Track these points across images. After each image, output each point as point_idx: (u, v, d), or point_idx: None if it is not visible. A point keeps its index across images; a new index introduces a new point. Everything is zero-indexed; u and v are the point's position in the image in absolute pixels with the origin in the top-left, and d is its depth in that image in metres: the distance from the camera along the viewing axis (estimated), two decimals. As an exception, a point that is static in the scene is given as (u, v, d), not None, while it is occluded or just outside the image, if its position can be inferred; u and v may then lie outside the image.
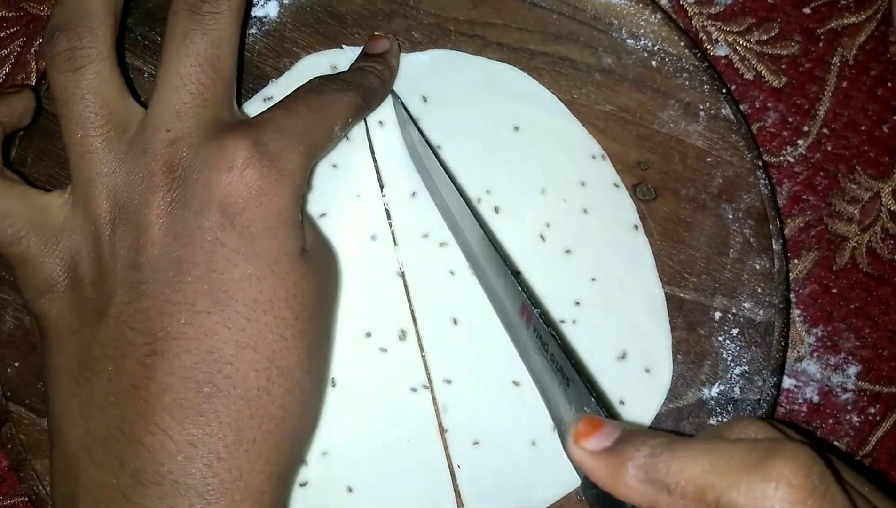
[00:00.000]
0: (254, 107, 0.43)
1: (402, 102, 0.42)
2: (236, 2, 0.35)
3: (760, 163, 0.43)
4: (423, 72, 0.44)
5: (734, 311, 0.42)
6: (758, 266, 0.42)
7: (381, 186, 0.43)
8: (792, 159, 0.47)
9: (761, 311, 0.42)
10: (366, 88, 0.39)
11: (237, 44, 0.36)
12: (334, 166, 0.43)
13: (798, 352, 0.46)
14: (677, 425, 0.41)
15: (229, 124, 0.35)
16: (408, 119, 0.42)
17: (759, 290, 0.42)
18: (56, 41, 0.34)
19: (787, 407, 0.45)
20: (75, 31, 0.34)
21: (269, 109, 0.36)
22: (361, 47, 0.43)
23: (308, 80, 0.38)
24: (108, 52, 0.34)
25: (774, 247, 0.42)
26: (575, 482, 0.40)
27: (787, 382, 0.45)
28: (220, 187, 0.33)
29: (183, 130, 0.34)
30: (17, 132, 0.41)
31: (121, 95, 0.35)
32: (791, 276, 0.46)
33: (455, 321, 0.42)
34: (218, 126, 0.34)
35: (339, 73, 0.41)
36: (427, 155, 0.41)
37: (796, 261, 0.47)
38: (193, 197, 0.33)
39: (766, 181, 0.43)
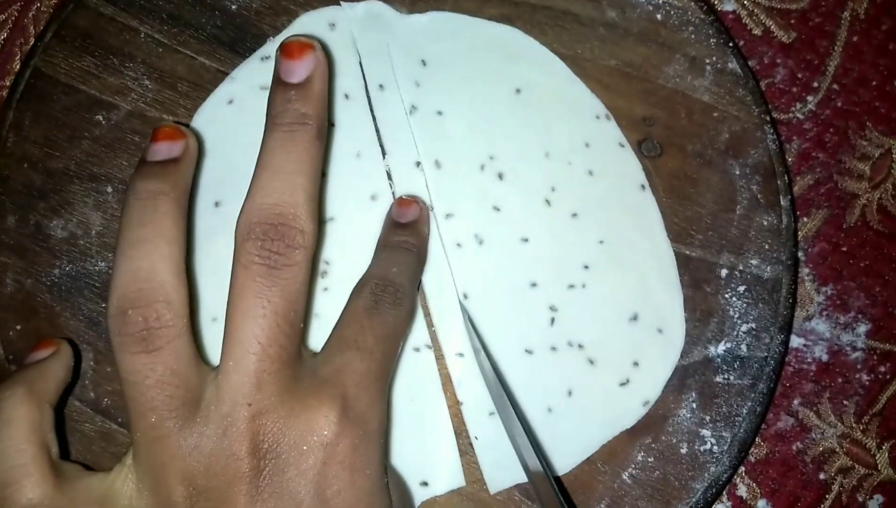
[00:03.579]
0: (252, 67, 0.43)
1: (472, 324, 0.41)
2: (310, 246, 0.32)
3: (768, 118, 0.42)
4: (421, 34, 0.43)
5: (741, 268, 0.41)
6: (765, 222, 0.42)
7: (384, 152, 0.42)
8: (801, 116, 0.46)
9: (769, 268, 0.41)
10: (408, 272, 0.37)
11: (308, 291, 0.33)
12: (333, 125, 0.42)
13: (807, 311, 0.45)
14: (683, 382, 0.40)
15: (309, 382, 0.32)
16: (479, 347, 0.40)
17: (767, 246, 0.41)
18: (129, 320, 0.30)
19: (796, 366, 0.44)
20: (152, 309, 0.30)
21: (336, 342, 0.34)
22: (359, 3, 0.42)
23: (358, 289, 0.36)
24: (186, 326, 0.31)
25: (782, 203, 0.42)
26: (592, 447, 0.40)
27: (796, 341, 0.45)
28: (314, 471, 0.30)
29: (265, 403, 0.30)
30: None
31: (195, 366, 0.31)
32: (800, 234, 0.45)
33: (466, 296, 0.41)
34: (298, 386, 0.31)
35: (377, 259, 0.38)
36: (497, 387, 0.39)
37: (805, 219, 0.46)
38: (286, 484, 0.30)
39: (774, 136, 0.42)
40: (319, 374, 0.32)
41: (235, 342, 0.30)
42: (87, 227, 0.42)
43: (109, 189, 0.42)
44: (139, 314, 0.30)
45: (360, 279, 0.36)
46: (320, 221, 0.38)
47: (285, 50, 0.34)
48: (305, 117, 0.33)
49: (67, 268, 0.41)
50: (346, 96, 0.43)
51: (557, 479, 0.39)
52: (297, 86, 0.33)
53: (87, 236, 0.41)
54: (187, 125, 0.39)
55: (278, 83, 0.34)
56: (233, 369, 0.30)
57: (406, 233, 0.39)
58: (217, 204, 0.41)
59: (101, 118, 0.42)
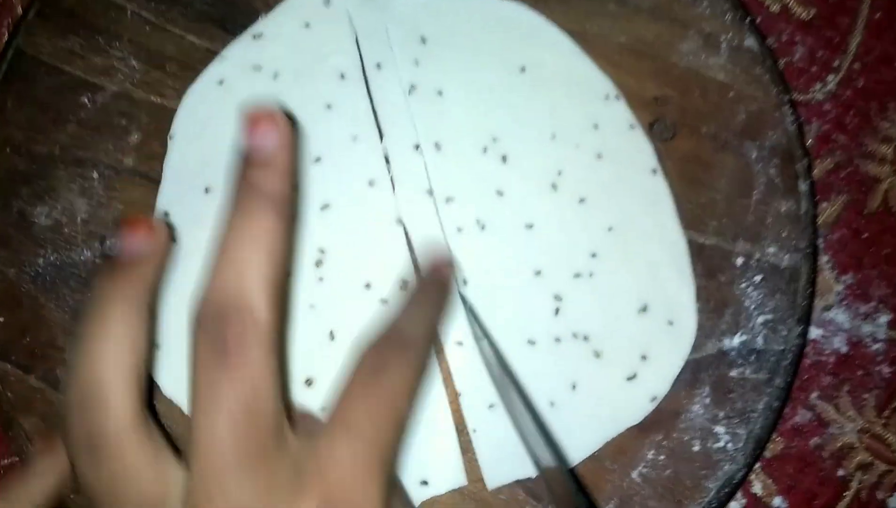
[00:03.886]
0: (243, 45, 0.42)
1: (474, 313, 0.39)
2: (265, 332, 0.29)
3: (787, 98, 0.41)
4: (421, 10, 0.42)
5: (758, 256, 0.40)
6: (783, 208, 0.40)
7: (381, 134, 0.41)
8: (821, 97, 0.45)
9: (787, 256, 0.40)
10: (423, 320, 0.34)
11: (280, 375, 0.30)
12: (328, 107, 0.41)
13: (826, 300, 0.44)
14: (695, 377, 0.40)
15: (288, 478, 0.29)
16: (481, 335, 0.39)
17: (785, 234, 0.40)
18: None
19: (814, 358, 0.44)
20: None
21: (328, 421, 0.31)
22: None
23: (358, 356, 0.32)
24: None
25: (801, 188, 0.40)
26: (596, 444, 0.39)
27: (815, 332, 0.44)
28: None
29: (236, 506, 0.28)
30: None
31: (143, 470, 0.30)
32: (819, 220, 0.44)
33: (465, 282, 0.40)
34: (276, 482, 0.29)
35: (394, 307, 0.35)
36: (501, 374, 0.38)
37: (825, 204, 0.45)
38: None
39: (793, 118, 0.41)
40: (302, 466, 0.29)
41: (198, 441, 0.28)
42: (72, 214, 0.41)
43: (95, 174, 0.41)
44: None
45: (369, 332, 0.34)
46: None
47: (247, 123, 0.32)
48: (266, 195, 0.31)
49: (52, 257, 0.40)
50: (342, 76, 0.41)
51: (572, 470, 0.39)
52: (256, 160, 0.31)
53: (73, 224, 0.40)
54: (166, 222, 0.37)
55: (239, 159, 0.32)
56: (198, 471, 0.28)
57: (425, 276, 0.38)
58: (207, 190, 0.40)
59: (86, 100, 0.41)
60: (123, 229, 0.33)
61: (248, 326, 0.29)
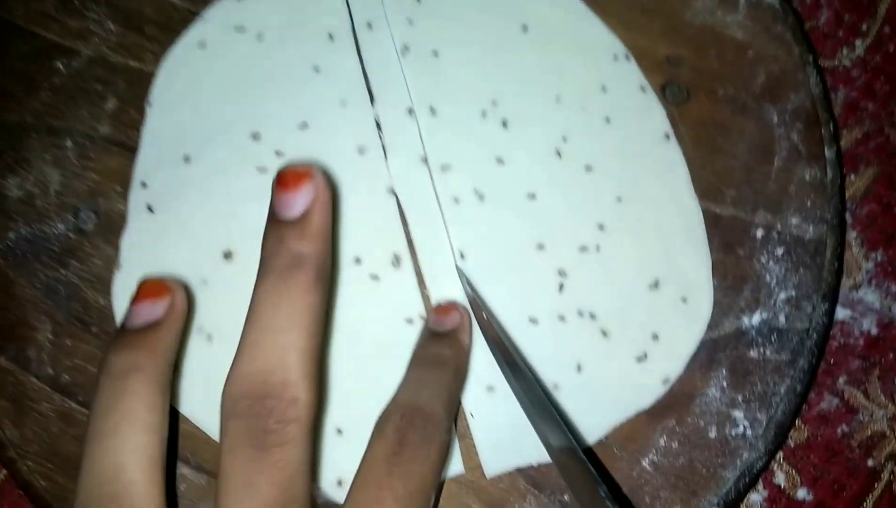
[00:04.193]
0: (225, 5, 0.40)
1: (473, 288, 0.38)
2: (306, 417, 0.28)
3: (810, 58, 0.40)
4: (414, -35, 0.41)
5: (779, 228, 0.39)
6: (807, 176, 0.39)
7: (372, 98, 0.39)
8: (848, 63, 0.44)
9: (811, 227, 0.39)
10: (443, 396, 0.33)
11: (311, 464, 0.29)
12: (316, 70, 0.40)
13: (854, 279, 0.43)
14: (711, 358, 0.38)
15: None
16: (481, 309, 0.37)
17: (809, 203, 0.39)
18: None
19: (842, 341, 0.42)
20: None
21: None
22: None
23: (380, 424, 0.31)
24: None
25: (826, 154, 0.39)
26: (603, 430, 0.37)
27: (842, 313, 0.42)
28: None
29: None
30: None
31: None
32: (846, 194, 0.43)
33: (462, 255, 0.38)
34: None
35: (406, 379, 0.34)
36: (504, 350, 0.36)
37: (853, 177, 0.43)
38: None
39: (818, 78, 0.40)
40: None
41: None
42: (44, 185, 0.39)
43: (69, 143, 0.39)
44: None
45: (386, 407, 0.32)
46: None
47: (280, 180, 0.30)
48: (301, 259, 0.29)
49: (23, 231, 0.39)
50: (330, 37, 0.40)
51: (589, 450, 0.37)
52: (291, 222, 0.30)
53: (45, 196, 0.39)
54: (178, 285, 0.34)
55: (272, 220, 0.30)
56: None
57: (442, 345, 0.35)
58: (187, 159, 0.39)
59: (60, 66, 0.40)
60: (137, 298, 0.32)
61: (289, 409, 0.28)
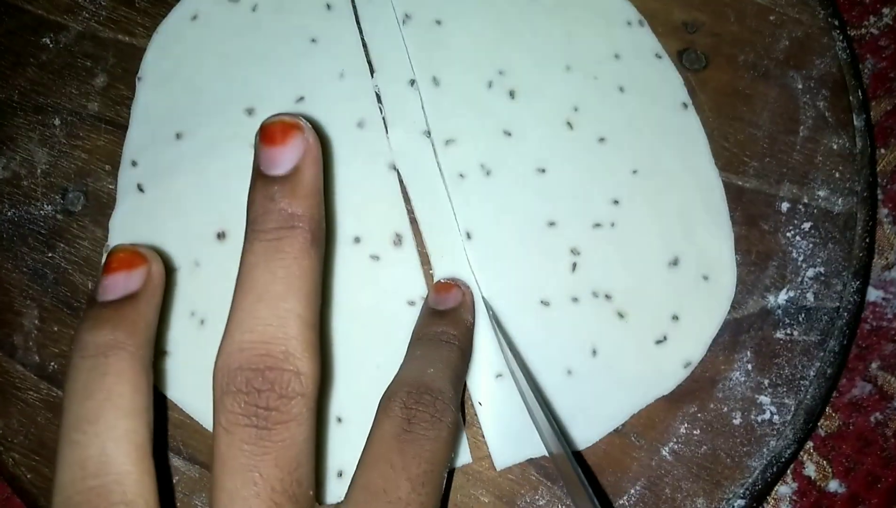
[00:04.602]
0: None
1: (496, 319, 0.36)
2: (311, 390, 0.27)
3: (836, 22, 0.39)
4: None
5: (806, 201, 0.38)
6: (835, 146, 0.38)
7: (371, 70, 0.38)
8: (876, 31, 0.43)
9: (840, 200, 0.37)
10: (449, 373, 0.31)
11: (315, 444, 0.28)
12: (313, 41, 0.39)
13: (887, 259, 0.41)
14: (735, 339, 0.36)
15: None
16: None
17: (838, 174, 0.38)
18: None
19: (874, 324, 0.41)
20: None
21: (360, 491, 0.28)
22: None
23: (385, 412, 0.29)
24: None
25: (856, 122, 0.38)
26: (620, 417, 0.36)
27: (874, 294, 0.41)
28: None
29: None
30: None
31: None
32: (876, 169, 0.42)
33: (468, 234, 0.37)
34: None
35: (409, 356, 0.33)
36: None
37: (883, 151, 0.42)
38: None
39: (845, 43, 0.38)
40: None
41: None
42: (31, 165, 0.38)
43: (57, 122, 0.39)
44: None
45: (389, 386, 0.30)
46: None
47: (265, 134, 0.28)
48: (294, 219, 0.27)
49: (9, 213, 0.38)
50: (328, 6, 0.39)
51: (579, 455, 0.35)
52: (281, 179, 0.28)
53: (32, 176, 0.38)
54: (151, 254, 0.31)
55: (258, 176, 0.28)
56: None
57: (445, 323, 0.34)
58: (178, 136, 0.38)
59: (48, 41, 0.39)
60: (109, 268, 0.29)
61: (292, 384, 0.26)
